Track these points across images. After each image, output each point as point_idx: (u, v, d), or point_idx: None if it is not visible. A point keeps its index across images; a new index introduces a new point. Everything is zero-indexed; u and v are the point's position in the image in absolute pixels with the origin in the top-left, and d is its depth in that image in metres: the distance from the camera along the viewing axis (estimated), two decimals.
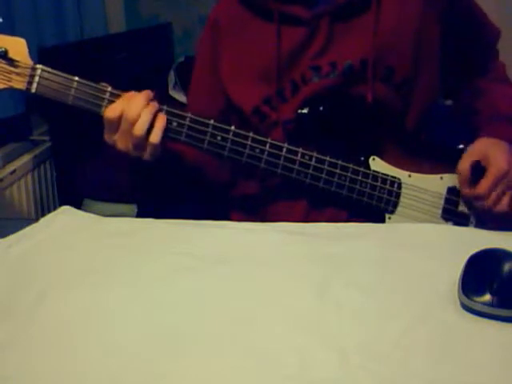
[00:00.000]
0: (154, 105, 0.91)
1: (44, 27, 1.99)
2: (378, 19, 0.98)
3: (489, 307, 0.64)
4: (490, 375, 0.56)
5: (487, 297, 0.64)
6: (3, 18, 1.79)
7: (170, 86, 2.18)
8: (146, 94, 0.91)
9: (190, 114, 0.93)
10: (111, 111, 0.90)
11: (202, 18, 2.35)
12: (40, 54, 1.58)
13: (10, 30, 1.82)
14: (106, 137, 0.92)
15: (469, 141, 1.04)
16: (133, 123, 0.89)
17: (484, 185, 0.96)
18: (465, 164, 0.99)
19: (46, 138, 2.00)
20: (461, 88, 1.15)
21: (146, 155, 0.92)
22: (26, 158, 1.94)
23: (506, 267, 0.66)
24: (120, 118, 0.89)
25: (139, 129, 0.89)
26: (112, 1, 2.40)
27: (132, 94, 0.91)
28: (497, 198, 0.96)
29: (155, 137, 0.90)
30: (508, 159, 0.97)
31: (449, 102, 1.24)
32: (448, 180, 1.02)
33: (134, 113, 0.89)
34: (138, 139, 0.89)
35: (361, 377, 0.55)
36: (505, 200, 0.97)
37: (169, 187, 1.11)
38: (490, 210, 0.97)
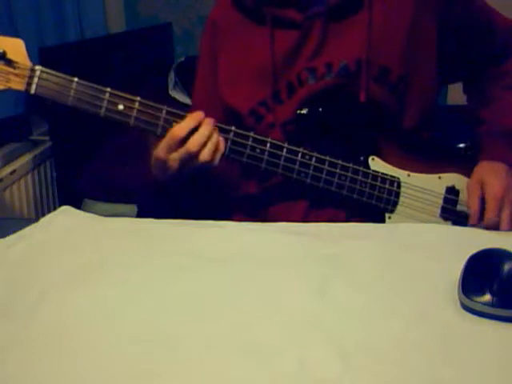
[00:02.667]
0: (217, 135, 0.94)
1: (44, 27, 1.99)
2: (370, 18, 0.98)
3: (489, 307, 0.64)
4: (490, 375, 0.56)
5: (487, 297, 0.64)
6: (4, 18, 1.79)
7: (170, 86, 2.18)
8: (209, 123, 0.93)
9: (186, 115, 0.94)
10: (180, 129, 0.91)
11: (201, 18, 2.35)
12: (40, 54, 1.58)
13: (11, 29, 1.82)
14: (162, 152, 0.93)
15: (468, 140, 1.04)
16: (198, 148, 0.91)
17: (488, 214, 0.97)
18: (473, 200, 0.99)
19: (46, 138, 2.00)
20: (474, 88, 1.14)
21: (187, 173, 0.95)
22: (26, 158, 1.94)
23: (506, 267, 0.66)
24: (186, 137, 0.91)
25: (206, 155, 0.92)
26: (112, 1, 2.40)
27: (200, 116, 0.93)
28: (508, 222, 0.96)
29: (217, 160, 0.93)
30: (502, 183, 0.98)
31: (449, 102, 1.23)
32: (447, 179, 1.02)
33: (203, 138, 0.91)
34: (199, 164, 0.92)
35: (361, 377, 0.55)
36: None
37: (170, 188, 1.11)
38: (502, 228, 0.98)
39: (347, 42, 0.99)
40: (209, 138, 0.92)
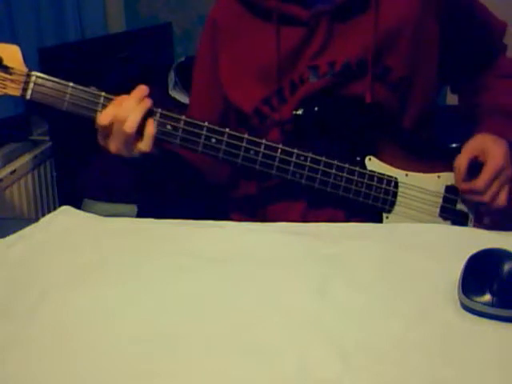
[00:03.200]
0: (146, 103, 0.91)
1: (44, 27, 1.99)
2: (376, 19, 0.98)
3: (489, 307, 0.64)
4: (490, 375, 0.56)
5: (487, 297, 0.64)
6: (4, 18, 1.79)
7: (170, 86, 2.18)
8: (138, 92, 0.91)
9: (184, 117, 0.94)
10: (103, 116, 0.90)
11: (201, 18, 2.34)
12: (40, 54, 1.58)
13: (11, 30, 1.82)
14: (100, 141, 0.93)
15: (467, 140, 1.04)
16: (123, 122, 0.89)
17: (482, 180, 0.96)
18: (462, 159, 0.99)
19: (46, 138, 2.00)
20: (465, 85, 1.15)
21: (137, 155, 0.92)
22: (26, 158, 1.94)
23: (506, 267, 0.66)
24: (112, 122, 0.89)
25: (129, 126, 0.89)
26: (112, 1, 2.40)
27: (124, 97, 0.91)
28: (495, 193, 0.96)
29: (145, 146, 0.91)
30: (505, 155, 0.97)
31: (449, 102, 1.24)
32: (445, 178, 1.02)
33: (125, 113, 0.89)
34: (127, 137, 0.90)
35: (361, 377, 0.55)
36: (503, 195, 0.97)
37: (169, 187, 1.11)
38: (489, 205, 0.98)
39: (352, 42, 0.99)
40: (131, 111, 0.90)
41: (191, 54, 2.20)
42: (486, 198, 0.96)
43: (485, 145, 0.99)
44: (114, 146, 0.91)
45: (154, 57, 2.31)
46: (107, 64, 1.92)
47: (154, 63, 2.27)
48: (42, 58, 1.56)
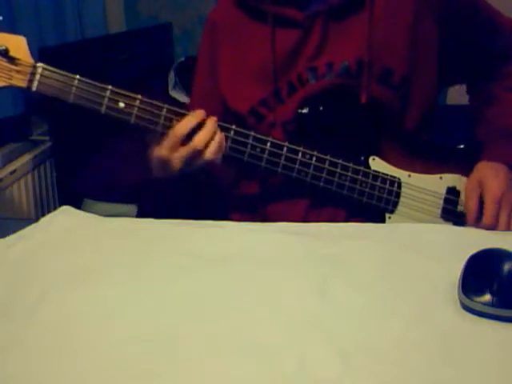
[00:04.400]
0: (221, 134, 0.93)
1: (44, 27, 1.99)
2: (372, 18, 0.98)
3: (489, 307, 0.64)
4: (490, 375, 0.56)
5: (487, 297, 0.64)
6: (4, 18, 1.79)
7: (170, 86, 2.18)
8: (214, 121, 0.93)
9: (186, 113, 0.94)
10: (183, 127, 0.91)
11: (201, 18, 2.35)
12: (40, 54, 1.58)
13: (11, 29, 1.82)
14: (165, 152, 0.92)
15: (468, 141, 1.04)
16: (204, 146, 0.91)
17: (486, 217, 0.96)
18: (470, 203, 0.99)
19: (46, 138, 2.00)
20: (476, 89, 1.14)
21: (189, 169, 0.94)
22: (25, 158, 1.94)
23: (506, 267, 0.66)
24: (189, 135, 0.91)
25: (211, 152, 0.91)
26: (112, 1, 2.40)
27: (202, 113, 0.93)
28: (507, 221, 0.96)
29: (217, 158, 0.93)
30: (502, 182, 0.98)
31: (449, 102, 1.23)
32: (447, 180, 1.02)
33: (207, 137, 0.91)
34: (203, 162, 0.92)
35: (361, 377, 0.55)
36: None
37: (171, 187, 1.11)
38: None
39: (348, 41, 0.99)
40: (214, 134, 0.92)
41: (191, 54, 2.21)
42: (501, 228, 0.96)
43: (483, 177, 1.00)
44: (179, 162, 0.92)
45: (154, 57, 2.31)
46: (107, 64, 1.92)
47: (154, 63, 2.27)
48: (42, 58, 1.56)
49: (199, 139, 0.91)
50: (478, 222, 0.97)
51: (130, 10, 2.47)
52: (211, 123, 0.92)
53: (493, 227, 0.95)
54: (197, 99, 1.15)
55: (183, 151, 0.91)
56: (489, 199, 0.97)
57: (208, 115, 0.94)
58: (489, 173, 1.00)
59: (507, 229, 0.95)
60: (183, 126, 0.91)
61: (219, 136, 0.93)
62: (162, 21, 2.45)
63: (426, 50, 1.02)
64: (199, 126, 0.92)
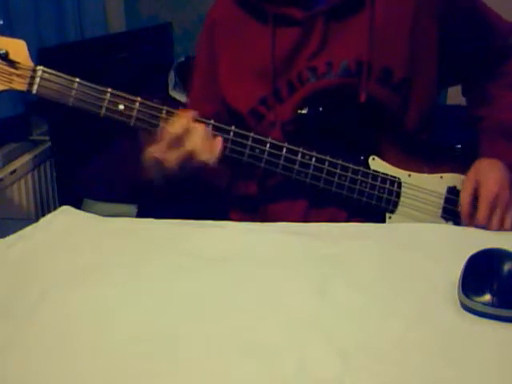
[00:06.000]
0: (217, 138, 0.93)
1: (44, 27, 1.99)
2: (372, 18, 0.98)
3: (489, 307, 0.64)
4: (490, 375, 0.56)
5: (487, 297, 0.64)
6: (3, 18, 1.79)
7: (170, 86, 2.18)
8: (203, 128, 0.92)
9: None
10: (175, 128, 0.90)
11: (201, 18, 2.32)
12: (40, 54, 1.58)
13: (10, 30, 1.82)
14: (157, 153, 0.92)
15: (468, 141, 1.03)
16: (198, 150, 0.90)
17: (480, 214, 0.95)
18: (464, 197, 0.98)
19: (46, 137, 2.00)
20: (474, 89, 1.14)
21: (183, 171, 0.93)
22: (26, 158, 1.94)
23: (506, 267, 0.66)
24: (182, 136, 0.90)
25: (203, 157, 0.90)
26: (112, 1, 2.40)
27: (193, 114, 0.92)
28: (499, 221, 0.95)
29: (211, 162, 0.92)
30: (498, 180, 0.97)
31: (449, 102, 1.23)
32: (448, 180, 1.02)
33: (198, 141, 0.90)
34: (198, 163, 0.91)
35: (361, 377, 0.55)
36: (508, 219, 0.95)
37: (170, 188, 1.11)
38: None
39: (348, 41, 0.99)
40: (208, 135, 0.92)
41: (191, 54, 2.20)
42: (493, 227, 0.95)
43: (479, 175, 0.99)
44: (174, 163, 0.91)
45: (154, 57, 2.31)
46: (107, 64, 1.92)
47: (154, 63, 2.27)
48: (42, 58, 1.56)
49: (193, 140, 0.90)
50: (471, 218, 0.97)
51: (130, 10, 2.47)
52: (202, 127, 0.92)
53: (485, 225, 0.95)
54: (195, 98, 1.15)
55: (177, 152, 0.91)
56: (483, 196, 0.96)
57: (205, 114, 0.94)
58: (486, 170, 0.99)
59: (499, 228, 0.94)
60: (175, 126, 0.91)
61: (214, 140, 0.92)
62: (161, 21, 2.45)
63: (426, 50, 1.02)
64: (192, 128, 0.91)
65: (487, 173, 0.99)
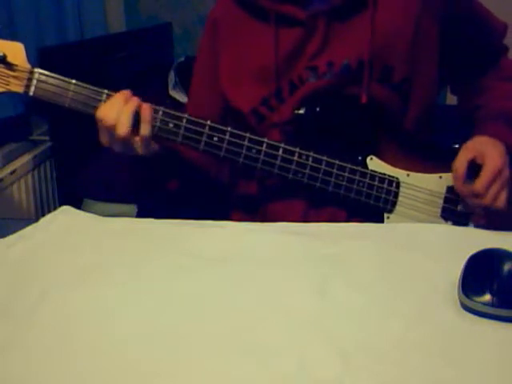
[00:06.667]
0: (133, 103, 0.91)
1: (44, 27, 1.99)
2: (374, 18, 0.98)
3: (489, 307, 0.64)
4: (490, 375, 0.56)
5: (487, 297, 0.64)
6: (3, 18, 1.79)
7: (170, 86, 2.18)
8: (122, 94, 0.92)
9: (186, 115, 0.94)
10: (98, 114, 0.91)
11: (201, 18, 2.35)
12: (40, 54, 1.58)
13: (11, 30, 1.82)
14: (101, 139, 0.93)
15: (466, 141, 1.03)
16: (114, 127, 0.90)
17: (480, 182, 0.95)
18: (460, 161, 0.97)
19: (46, 137, 2.00)
20: (466, 85, 1.15)
21: (140, 150, 0.93)
22: (26, 158, 1.94)
23: (506, 267, 0.66)
24: (106, 123, 0.90)
25: (121, 131, 0.90)
26: (112, 1, 2.40)
27: (121, 95, 0.92)
28: (494, 195, 0.95)
29: (144, 130, 0.91)
30: (502, 156, 0.97)
31: (449, 102, 1.24)
32: (447, 179, 1.02)
33: (111, 117, 0.90)
34: (123, 139, 0.91)
35: (361, 377, 0.55)
36: (502, 196, 0.96)
37: (169, 187, 1.11)
38: (488, 207, 0.97)
39: (350, 42, 0.99)
40: (119, 114, 0.90)
41: (191, 54, 2.20)
42: (486, 200, 0.95)
43: (483, 147, 0.98)
44: (115, 146, 0.92)
45: (154, 57, 2.31)
46: (107, 64, 1.92)
47: (153, 63, 2.27)
48: (42, 58, 1.56)
49: (107, 116, 0.90)
50: (463, 185, 0.97)
51: (130, 10, 2.47)
52: (117, 98, 0.91)
53: (480, 196, 0.94)
54: (195, 97, 1.15)
55: (104, 134, 0.91)
56: (489, 166, 0.95)
57: (205, 113, 0.94)
58: (488, 144, 0.98)
59: (493, 201, 0.95)
60: (100, 110, 0.91)
61: (129, 108, 0.90)
62: (161, 21, 2.45)
63: (426, 51, 1.02)
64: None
65: (491, 147, 0.98)
